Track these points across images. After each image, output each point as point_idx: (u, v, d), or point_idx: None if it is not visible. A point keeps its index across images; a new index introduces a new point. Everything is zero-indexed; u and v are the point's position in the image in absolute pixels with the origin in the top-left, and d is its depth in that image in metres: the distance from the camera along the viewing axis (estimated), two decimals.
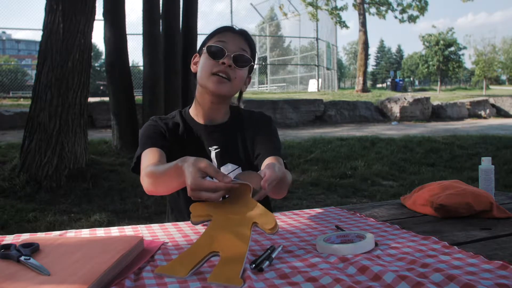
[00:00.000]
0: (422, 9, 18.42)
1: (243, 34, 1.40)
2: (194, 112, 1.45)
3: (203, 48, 1.38)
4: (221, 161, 1.41)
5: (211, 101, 1.38)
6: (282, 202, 4.20)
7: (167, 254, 1.00)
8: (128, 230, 1.22)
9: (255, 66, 1.69)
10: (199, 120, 1.44)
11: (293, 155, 6.20)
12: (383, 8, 19.14)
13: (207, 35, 1.42)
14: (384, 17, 19.16)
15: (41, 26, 4.46)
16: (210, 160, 1.40)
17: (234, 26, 1.42)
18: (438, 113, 12.61)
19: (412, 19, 18.80)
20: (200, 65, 1.37)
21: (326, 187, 4.87)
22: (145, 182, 1.23)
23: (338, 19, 18.00)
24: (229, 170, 1.41)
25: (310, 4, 16.73)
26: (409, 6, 18.62)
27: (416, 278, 0.79)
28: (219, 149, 1.41)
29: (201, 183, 0.95)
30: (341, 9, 17.91)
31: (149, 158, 1.29)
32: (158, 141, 1.34)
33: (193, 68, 1.43)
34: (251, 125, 1.47)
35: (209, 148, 1.41)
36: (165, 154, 1.32)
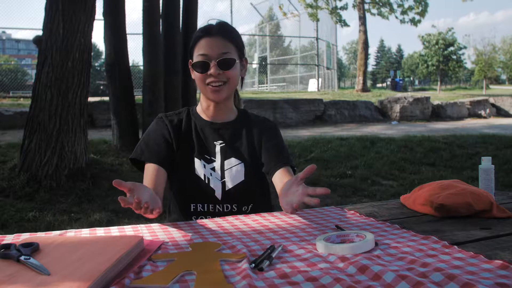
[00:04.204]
0: (422, 12, 18.41)
1: (221, 34, 1.43)
2: (201, 110, 1.54)
3: (191, 61, 1.47)
4: (225, 155, 1.48)
5: (215, 102, 1.48)
6: None
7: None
8: (128, 230, 1.21)
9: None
10: (206, 117, 1.53)
11: (293, 154, 6.19)
12: (384, 10, 19.10)
13: (193, 38, 1.47)
14: (387, 18, 19.11)
15: (41, 26, 4.45)
16: (214, 153, 1.48)
17: (212, 21, 1.46)
18: (438, 113, 12.60)
19: (414, 22, 18.75)
20: (194, 76, 1.46)
21: (326, 187, 4.86)
22: None
23: (338, 18, 18.00)
24: (232, 164, 1.48)
25: (310, 5, 16.73)
26: (411, 8, 18.59)
27: (416, 277, 0.79)
28: (223, 144, 1.49)
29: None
30: (341, 8, 17.90)
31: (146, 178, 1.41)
32: (154, 152, 1.44)
33: (192, 74, 1.49)
34: (257, 125, 1.55)
35: (214, 142, 1.49)
36: (161, 162, 1.43)
